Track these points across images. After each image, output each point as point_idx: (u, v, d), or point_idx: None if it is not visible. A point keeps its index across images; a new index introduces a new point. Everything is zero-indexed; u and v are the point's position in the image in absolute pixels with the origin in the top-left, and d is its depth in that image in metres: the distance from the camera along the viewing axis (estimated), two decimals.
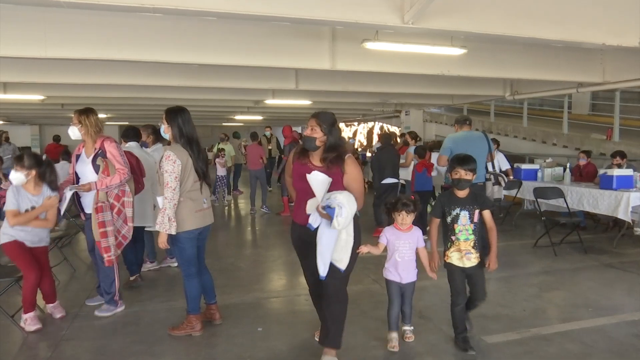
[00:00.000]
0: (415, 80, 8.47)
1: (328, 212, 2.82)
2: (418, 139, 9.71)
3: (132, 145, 5.05)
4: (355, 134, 22.29)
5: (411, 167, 7.78)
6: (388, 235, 3.43)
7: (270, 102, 10.78)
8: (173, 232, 3.40)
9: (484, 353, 3.38)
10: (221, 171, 11.10)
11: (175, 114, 3.58)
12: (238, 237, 8.06)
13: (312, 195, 2.95)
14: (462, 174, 3.32)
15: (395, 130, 15.96)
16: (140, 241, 5.07)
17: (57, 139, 14.62)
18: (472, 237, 3.34)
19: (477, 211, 3.33)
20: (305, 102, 11.08)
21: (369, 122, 20.12)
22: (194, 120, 3.69)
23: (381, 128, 18.87)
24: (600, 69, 7.02)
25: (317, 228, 2.95)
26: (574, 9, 4.72)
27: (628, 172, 6.48)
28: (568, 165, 7.82)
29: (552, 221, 6.57)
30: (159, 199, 3.46)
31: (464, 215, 3.32)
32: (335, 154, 3.04)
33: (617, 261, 5.83)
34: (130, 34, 5.16)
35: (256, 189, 9.76)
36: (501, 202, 6.89)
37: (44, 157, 3.90)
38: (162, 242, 3.45)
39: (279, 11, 3.96)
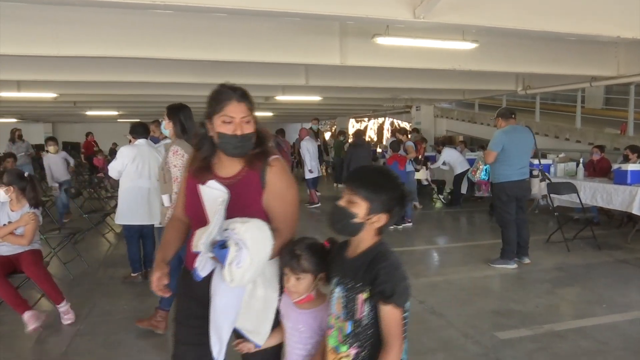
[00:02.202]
0: (426, 75, 8.42)
1: (216, 254, 1.61)
2: (409, 133, 9.80)
3: (141, 142, 4.88)
4: (365, 129, 22.26)
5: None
6: (282, 306, 1.83)
7: (281, 98, 10.80)
8: None
9: (497, 349, 3.36)
10: None
11: (177, 110, 3.58)
12: None
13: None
14: (346, 197, 1.61)
15: (406, 125, 15.92)
16: (150, 238, 5.07)
17: (87, 134, 15.50)
18: (344, 349, 1.61)
19: (360, 296, 1.57)
20: (315, 98, 11.08)
21: (379, 118, 20.08)
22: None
23: (392, 124, 18.83)
24: (615, 63, 6.92)
25: (210, 277, 1.73)
26: (587, 1, 4.66)
27: None
28: (581, 160, 7.73)
29: (565, 217, 6.51)
30: (165, 197, 3.44)
31: (338, 296, 1.65)
32: (259, 150, 1.83)
33: (631, 257, 5.76)
34: (142, 31, 5.19)
35: None
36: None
37: (25, 173, 3.91)
38: None
39: (289, 7, 3.95)
